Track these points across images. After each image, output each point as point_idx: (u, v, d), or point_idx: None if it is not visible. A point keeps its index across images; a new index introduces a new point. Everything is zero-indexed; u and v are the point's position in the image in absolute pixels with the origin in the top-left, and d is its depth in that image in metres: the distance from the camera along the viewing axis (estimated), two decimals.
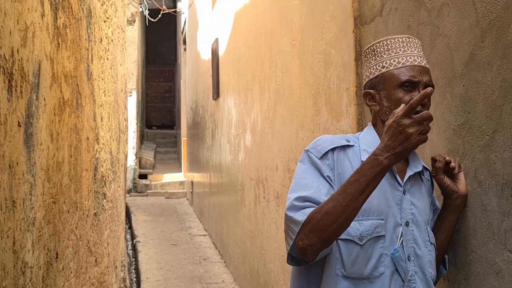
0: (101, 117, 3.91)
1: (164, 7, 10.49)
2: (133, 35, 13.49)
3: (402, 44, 1.72)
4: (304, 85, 3.53)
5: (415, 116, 1.47)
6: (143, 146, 16.79)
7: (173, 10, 13.46)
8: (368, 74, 1.78)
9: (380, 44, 1.75)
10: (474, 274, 1.74)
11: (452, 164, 1.76)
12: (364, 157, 1.68)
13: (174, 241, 8.20)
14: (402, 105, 1.51)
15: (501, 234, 1.60)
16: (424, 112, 1.47)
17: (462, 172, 1.78)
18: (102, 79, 3.93)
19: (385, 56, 1.72)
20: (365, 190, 1.50)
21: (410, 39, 1.74)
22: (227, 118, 6.70)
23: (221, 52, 7.17)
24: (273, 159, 4.36)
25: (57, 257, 2.52)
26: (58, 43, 2.53)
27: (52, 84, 2.41)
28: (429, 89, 1.50)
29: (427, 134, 1.51)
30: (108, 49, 4.29)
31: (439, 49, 1.95)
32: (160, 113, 20.52)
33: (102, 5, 3.98)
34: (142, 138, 17.19)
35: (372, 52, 1.77)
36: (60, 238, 2.59)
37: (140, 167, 14.39)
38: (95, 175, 3.62)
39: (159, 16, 11.39)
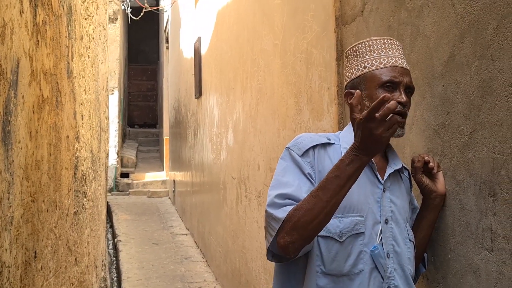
0: (82, 115, 3.87)
1: (146, 5, 10.42)
2: (115, 33, 13.40)
3: (383, 46, 1.74)
4: (286, 84, 3.54)
5: (377, 115, 1.42)
6: (125, 145, 16.69)
7: (155, 8, 13.38)
8: (349, 74, 1.79)
9: (362, 45, 1.77)
10: (452, 272, 1.75)
11: (431, 164, 1.78)
12: None
13: (155, 240, 8.16)
14: (357, 91, 1.53)
15: (479, 233, 1.62)
16: (385, 108, 1.42)
17: (441, 171, 1.80)
18: (82, 77, 3.89)
19: (367, 57, 1.74)
20: (345, 185, 1.51)
21: (391, 41, 1.76)
22: (210, 117, 6.69)
23: (203, 51, 7.15)
24: (255, 158, 4.36)
25: (35, 257, 2.48)
26: (38, 40, 2.50)
27: (31, 82, 2.37)
28: (390, 100, 1.45)
29: (403, 123, 1.53)
30: (89, 47, 4.25)
31: (419, 49, 1.97)
32: (142, 112, 20.41)
33: (83, 3, 3.93)
34: (124, 137, 17.09)
35: (354, 53, 1.78)
36: (39, 237, 2.56)
37: (122, 166, 14.31)
38: (75, 173, 3.58)
39: (142, 14, 11.32)
